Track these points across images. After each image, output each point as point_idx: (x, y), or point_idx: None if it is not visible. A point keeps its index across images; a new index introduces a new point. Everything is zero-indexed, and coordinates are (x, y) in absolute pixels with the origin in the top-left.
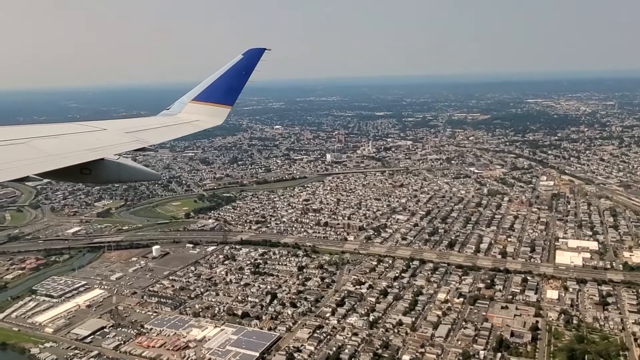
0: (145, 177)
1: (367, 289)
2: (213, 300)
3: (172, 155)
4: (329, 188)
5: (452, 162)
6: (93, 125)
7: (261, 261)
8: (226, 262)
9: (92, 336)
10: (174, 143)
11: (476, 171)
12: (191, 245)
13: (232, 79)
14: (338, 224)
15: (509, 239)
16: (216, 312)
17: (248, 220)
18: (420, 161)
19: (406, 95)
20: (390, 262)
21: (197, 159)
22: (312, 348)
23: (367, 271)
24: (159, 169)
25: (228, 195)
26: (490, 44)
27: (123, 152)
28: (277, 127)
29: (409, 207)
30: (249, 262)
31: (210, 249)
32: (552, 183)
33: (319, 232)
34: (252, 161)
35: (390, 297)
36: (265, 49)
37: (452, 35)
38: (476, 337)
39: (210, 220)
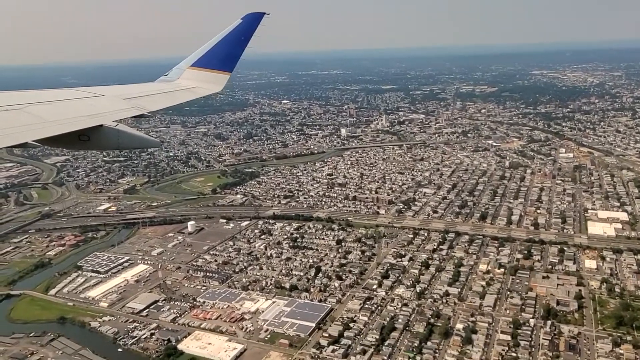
0: (144, 144)
1: (408, 261)
2: (258, 274)
3: (185, 131)
4: (349, 162)
5: (469, 135)
6: (90, 92)
7: (297, 235)
8: (263, 236)
9: (147, 310)
10: (185, 119)
11: (494, 144)
12: (224, 221)
13: (231, 44)
14: (367, 197)
15: (539, 211)
16: (264, 285)
17: (276, 195)
18: (436, 135)
19: (409, 68)
20: (425, 234)
21: (211, 135)
22: (365, 319)
23: (405, 244)
24: (173, 145)
25: (250, 170)
26: (491, 15)
27: (121, 118)
28: (285, 101)
29: (434, 180)
30: (285, 236)
31: (244, 223)
32: (571, 155)
33: (349, 206)
34: (268, 136)
35: (432, 269)
36: (264, 13)
37: (451, 7)
38: (523, 306)
39: (238, 196)
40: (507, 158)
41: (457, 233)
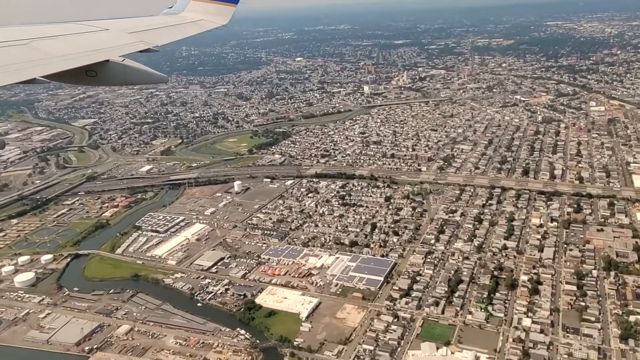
0: (151, 79)
1: (460, 216)
2: (314, 231)
3: (204, 91)
4: (379, 120)
5: (494, 90)
6: (95, 25)
7: (344, 193)
8: (310, 195)
9: (215, 267)
10: (202, 79)
11: (522, 99)
12: (268, 180)
13: None
14: (405, 155)
15: (580, 165)
16: (324, 241)
17: (312, 155)
18: (461, 90)
19: (418, 22)
20: (471, 190)
21: (233, 95)
22: (430, 272)
23: (453, 200)
24: (197, 105)
25: (281, 130)
26: None
27: (128, 53)
28: (299, 59)
29: (468, 137)
30: (332, 194)
31: (289, 182)
32: (602, 108)
33: (388, 164)
34: (290, 95)
35: (485, 224)
36: None
37: None
38: (583, 258)
39: (276, 156)
40: (538, 113)
41: (503, 188)
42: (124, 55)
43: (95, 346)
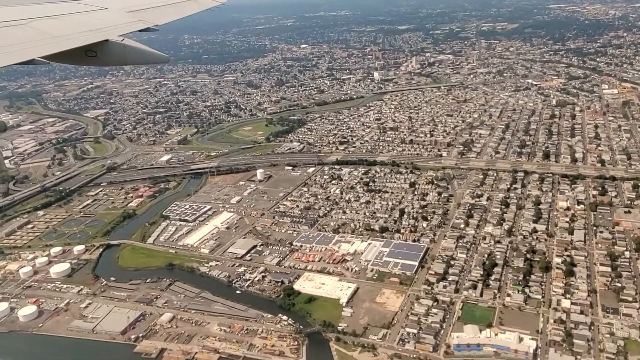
0: (152, 59)
1: (486, 200)
2: (343, 217)
3: (213, 80)
4: (392, 106)
5: (504, 75)
6: (93, 5)
7: (367, 179)
8: (334, 181)
9: (248, 254)
10: (209, 67)
11: (534, 83)
12: (290, 168)
13: None
14: (423, 141)
15: (600, 148)
16: (353, 228)
17: (330, 142)
18: (471, 75)
19: (419, 6)
20: (494, 174)
21: (242, 83)
22: (463, 256)
23: (478, 184)
24: (208, 94)
25: (296, 118)
26: None
27: (127, 32)
28: (304, 46)
29: (485, 121)
30: (356, 180)
31: (310, 170)
32: (615, 91)
33: (408, 150)
34: (300, 83)
35: (513, 207)
36: None
37: None
38: (614, 240)
39: (295, 143)
40: (552, 96)
41: (526, 172)
42: (123, 34)
43: (141, 334)
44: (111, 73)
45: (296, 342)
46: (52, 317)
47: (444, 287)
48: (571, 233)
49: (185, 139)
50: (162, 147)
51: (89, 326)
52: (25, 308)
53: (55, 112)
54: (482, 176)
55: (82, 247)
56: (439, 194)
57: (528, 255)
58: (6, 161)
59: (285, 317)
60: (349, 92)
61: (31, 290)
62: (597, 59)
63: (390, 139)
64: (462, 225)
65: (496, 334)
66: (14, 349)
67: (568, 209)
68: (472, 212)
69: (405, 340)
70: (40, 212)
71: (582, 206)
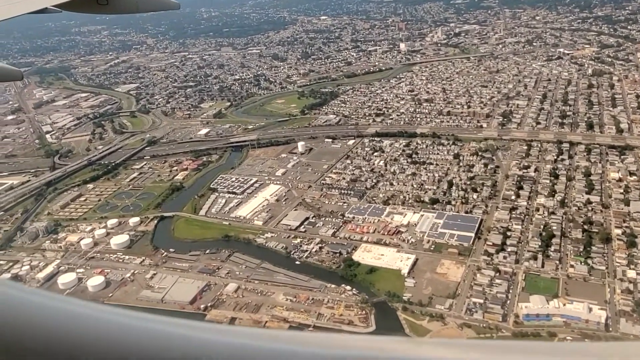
0: (163, 6)
1: (534, 172)
2: (391, 189)
3: (237, 53)
4: (424, 78)
5: (534, 44)
6: None
7: (410, 151)
8: (376, 153)
9: (302, 226)
10: (232, 41)
11: (566, 52)
12: (330, 140)
13: None
14: (461, 112)
15: None
16: (403, 199)
17: (366, 114)
18: (500, 45)
19: None
20: (538, 145)
21: (267, 56)
22: (519, 227)
23: (523, 155)
24: (235, 68)
25: (328, 90)
26: None
27: None
28: (324, 17)
29: (521, 92)
30: (398, 153)
31: (350, 142)
32: None
33: (446, 122)
34: (326, 55)
35: (562, 179)
36: None
37: None
38: None
39: (331, 116)
40: (586, 66)
41: (571, 143)
42: None
43: (209, 304)
44: (135, 47)
45: (364, 312)
46: (120, 287)
47: (504, 257)
48: (627, 204)
49: (220, 112)
50: (198, 120)
51: (158, 296)
52: (93, 278)
53: (87, 87)
54: (526, 147)
55: (137, 219)
56: (485, 165)
57: (585, 227)
58: (47, 136)
59: (348, 288)
60: (377, 63)
61: (95, 261)
62: (629, 27)
63: (426, 110)
64: (512, 197)
65: (564, 304)
66: None
67: (620, 180)
68: (522, 183)
69: (473, 310)
70: (90, 185)
71: (634, 177)
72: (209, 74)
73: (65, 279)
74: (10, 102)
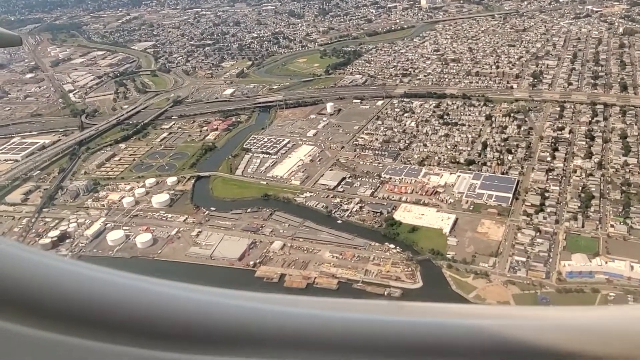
0: None
1: (569, 133)
2: (424, 150)
3: (251, 9)
4: (448, 37)
5: (560, 1)
6: None
7: (440, 112)
8: (406, 114)
9: (339, 186)
10: None
11: (594, 9)
12: (358, 101)
13: None
14: (490, 73)
15: None
16: (439, 160)
17: (392, 74)
18: (525, 2)
19: None
20: (572, 107)
21: (283, 13)
22: (556, 188)
23: (556, 117)
24: (251, 25)
25: (350, 49)
26: None
27: None
28: None
29: (550, 52)
30: (429, 114)
31: (379, 103)
32: None
33: (475, 82)
34: (344, 12)
35: (598, 140)
36: None
37: None
38: None
39: (357, 76)
40: (616, 24)
41: (605, 104)
42: None
43: (257, 260)
44: (145, 3)
45: (409, 269)
46: (167, 244)
47: (544, 218)
48: None
49: (242, 72)
50: (221, 80)
51: (206, 253)
52: (141, 235)
53: (102, 44)
54: (558, 109)
55: (174, 178)
56: (519, 126)
57: (624, 188)
58: (70, 95)
59: (392, 246)
60: (397, 21)
61: (139, 219)
62: None
63: (454, 71)
64: (548, 159)
65: (606, 262)
66: (146, 273)
67: None
68: (557, 145)
69: (516, 267)
70: (122, 145)
71: None
72: (226, 32)
73: (114, 236)
74: (26, 60)
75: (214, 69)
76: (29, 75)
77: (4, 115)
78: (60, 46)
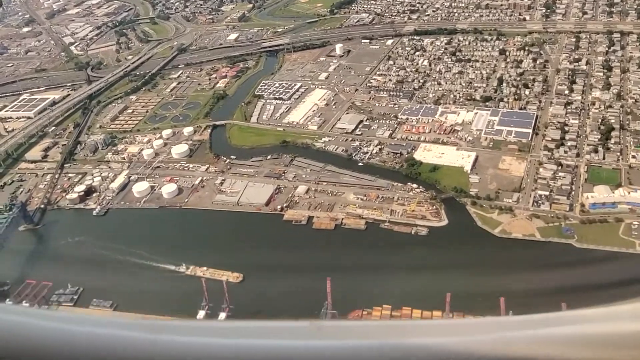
0: None
1: (586, 64)
2: (439, 89)
3: None
4: None
5: None
6: None
7: (452, 49)
8: (417, 53)
9: (357, 129)
10: None
11: None
12: (367, 41)
13: None
14: (501, 4)
15: None
16: (454, 98)
17: (399, 11)
18: None
19: None
20: (588, 37)
21: None
22: (576, 122)
23: (572, 48)
24: None
25: None
26: None
27: None
28: None
29: None
30: (441, 51)
31: (389, 42)
32: None
33: (486, 16)
34: None
35: (616, 71)
36: None
37: None
38: None
39: (364, 15)
40: None
41: (622, 33)
42: None
43: (284, 205)
44: None
45: (434, 207)
46: (192, 193)
47: (565, 152)
48: None
49: (244, 15)
50: (223, 25)
51: (233, 199)
52: (167, 186)
53: None
54: (574, 39)
55: (190, 128)
56: (534, 60)
57: None
58: (72, 48)
59: (415, 185)
60: None
61: (161, 170)
62: None
63: (462, 4)
64: (566, 92)
65: (629, 192)
66: (177, 221)
67: None
68: (574, 77)
69: (539, 201)
70: (133, 97)
71: None
72: None
73: (139, 188)
74: (20, 13)
75: (214, 13)
76: (25, 29)
77: (7, 71)
78: None
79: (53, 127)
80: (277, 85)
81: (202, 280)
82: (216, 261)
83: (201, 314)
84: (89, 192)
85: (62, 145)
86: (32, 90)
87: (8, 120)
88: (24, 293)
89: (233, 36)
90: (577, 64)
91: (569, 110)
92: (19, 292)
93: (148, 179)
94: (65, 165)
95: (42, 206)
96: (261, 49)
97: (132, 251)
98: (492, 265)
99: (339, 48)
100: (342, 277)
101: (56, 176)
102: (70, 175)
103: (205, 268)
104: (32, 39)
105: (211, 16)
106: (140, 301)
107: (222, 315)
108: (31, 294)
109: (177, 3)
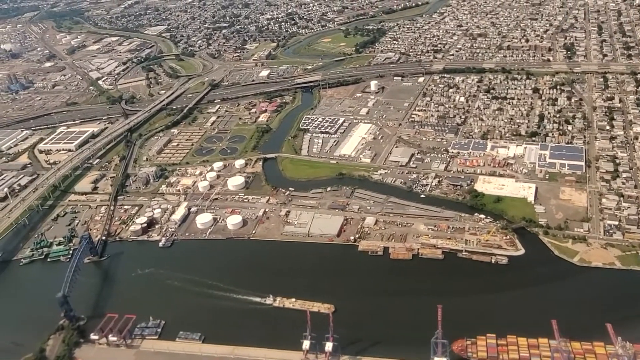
0: None
1: (619, 102)
2: (483, 124)
3: None
4: (466, 12)
5: None
6: None
7: (486, 87)
8: (451, 90)
9: (410, 162)
10: None
11: None
12: (399, 78)
13: None
14: (522, 46)
15: None
16: (501, 134)
17: (423, 51)
18: None
19: None
20: (615, 77)
21: None
22: (625, 155)
23: (602, 87)
24: (262, 6)
25: (373, 27)
26: None
27: None
28: None
29: (574, 24)
30: (474, 88)
31: (420, 79)
32: None
33: (510, 56)
34: None
35: None
36: None
37: None
38: None
39: (390, 54)
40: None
41: None
42: None
43: (357, 236)
44: None
45: (508, 237)
46: (258, 224)
47: (622, 183)
48: None
49: (270, 53)
50: (251, 62)
51: (302, 230)
52: (231, 217)
53: (112, 30)
54: (601, 79)
55: (242, 161)
56: (568, 98)
57: None
58: (99, 82)
59: (482, 216)
60: None
61: (220, 202)
62: None
63: (484, 45)
64: (607, 127)
65: None
66: (247, 252)
67: None
68: (612, 114)
69: (611, 231)
70: (174, 130)
71: None
72: (237, 14)
73: (203, 219)
74: (39, 49)
75: (239, 51)
76: (47, 64)
77: (37, 105)
78: (69, 33)
79: (97, 160)
80: (320, 119)
81: (307, 312)
82: (300, 292)
83: (306, 344)
84: (151, 224)
85: (111, 177)
86: (68, 123)
87: (49, 152)
88: (107, 327)
89: (265, 73)
90: (611, 101)
91: (615, 144)
92: (102, 326)
93: (208, 211)
94: (118, 197)
95: (103, 238)
96: (295, 85)
97: (207, 282)
98: (584, 293)
99: (373, 84)
100: (433, 304)
101: (111, 208)
102: (125, 207)
103: (294, 299)
104: (57, 73)
105: (237, 54)
106: (230, 333)
107: (329, 345)
108: (115, 328)
109: (199, 41)
